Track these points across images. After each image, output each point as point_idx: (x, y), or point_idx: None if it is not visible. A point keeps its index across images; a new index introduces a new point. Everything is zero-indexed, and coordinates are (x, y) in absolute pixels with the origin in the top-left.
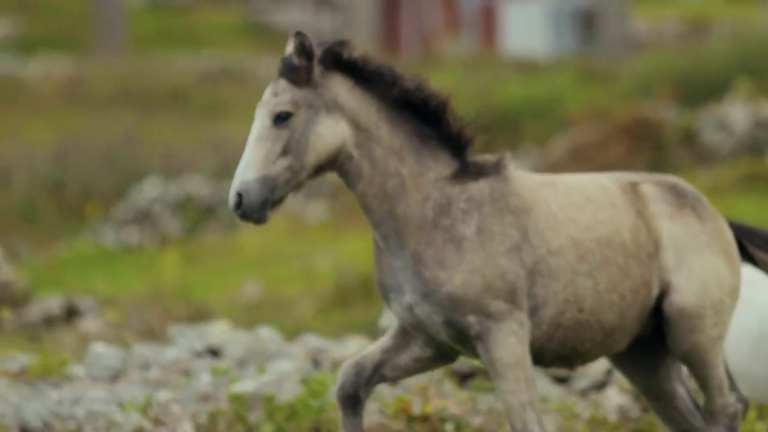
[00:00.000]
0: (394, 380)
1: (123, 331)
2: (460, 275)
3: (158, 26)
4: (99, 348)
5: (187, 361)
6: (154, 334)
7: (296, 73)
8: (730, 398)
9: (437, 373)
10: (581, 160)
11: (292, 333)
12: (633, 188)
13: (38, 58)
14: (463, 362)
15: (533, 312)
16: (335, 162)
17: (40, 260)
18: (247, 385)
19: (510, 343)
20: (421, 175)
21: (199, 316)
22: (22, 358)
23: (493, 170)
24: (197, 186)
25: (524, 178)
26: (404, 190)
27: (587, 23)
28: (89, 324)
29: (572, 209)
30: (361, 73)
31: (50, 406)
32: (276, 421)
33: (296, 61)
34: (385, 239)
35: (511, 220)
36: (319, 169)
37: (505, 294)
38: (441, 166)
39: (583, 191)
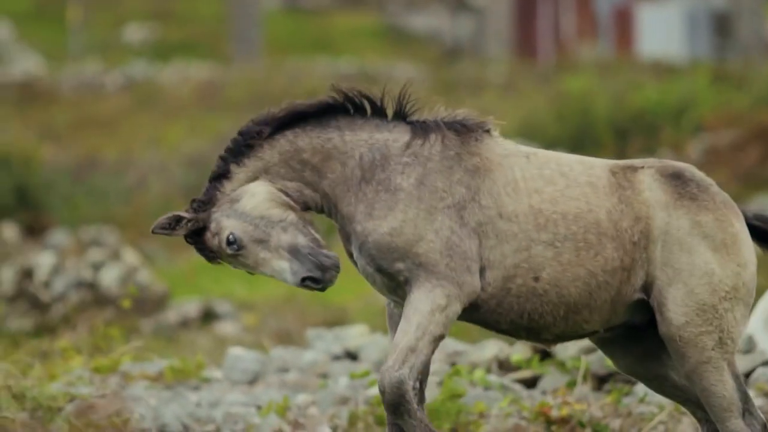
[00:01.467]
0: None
1: (260, 335)
2: (388, 223)
3: (294, 30)
4: (237, 351)
5: (324, 365)
6: (292, 338)
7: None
8: (739, 424)
9: (574, 375)
10: (716, 163)
11: None
12: (625, 173)
13: (175, 63)
14: (601, 364)
15: (478, 275)
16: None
17: (178, 265)
18: None
19: (435, 294)
20: (330, 141)
21: (336, 320)
22: (160, 362)
23: (463, 130)
24: None
25: (498, 144)
26: (324, 170)
27: (721, 25)
28: (226, 328)
29: (540, 181)
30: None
31: (189, 409)
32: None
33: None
34: (335, 222)
35: (461, 178)
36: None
37: (440, 248)
38: (392, 135)
39: (561, 167)
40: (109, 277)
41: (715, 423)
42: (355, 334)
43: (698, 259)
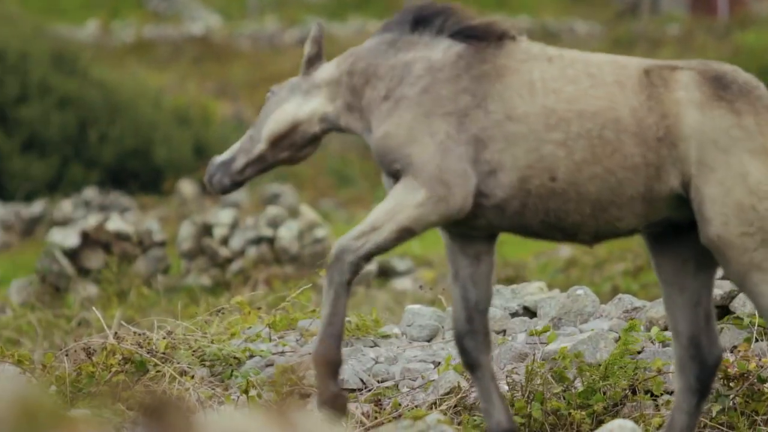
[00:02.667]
0: (486, 303)
1: (437, 292)
2: (384, 127)
3: None
4: (415, 307)
5: (502, 321)
6: None
7: (305, 59)
8: None
9: (751, 332)
10: None
11: (607, 293)
12: (660, 73)
13: (351, 20)
14: None
15: (488, 176)
16: (297, 138)
17: (355, 222)
18: (562, 344)
19: (414, 186)
20: (380, 66)
21: (514, 276)
22: None
23: (484, 36)
24: None
25: (520, 50)
26: (365, 87)
27: None
28: (404, 283)
29: (561, 81)
30: None
31: (367, 365)
32: (590, 379)
33: (307, 47)
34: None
35: (467, 86)
36: (276, 144)
37: (432, 150)
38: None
39: (588, 67)
40: (287, 234)
41: None
42: (533, 290)
43: (734, 159)
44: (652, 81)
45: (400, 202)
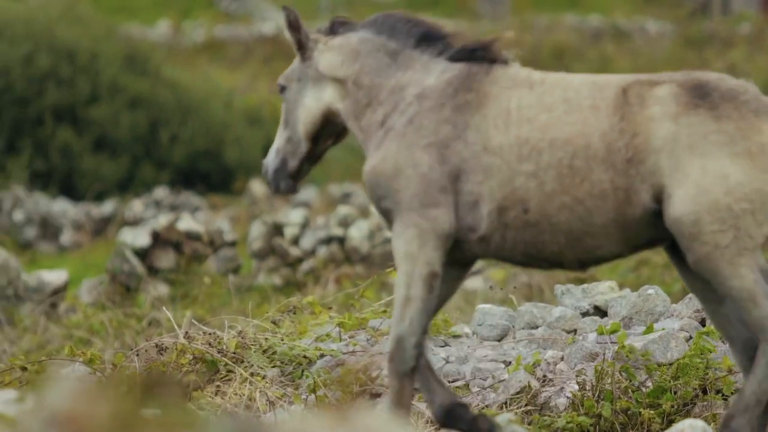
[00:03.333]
0: (439, 308)
1: (508, 291)
2: (372, 160)
3: None
4: (486, 307)
5: (573, 320)
6: (540, 294)
7: (293, 46)
8: (765, 308)
9: None
10: None
11: (678, 293)
12: (639, 90)
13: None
14: None
15: (472, 208)
16: (333, 125)
17: None
18: (633, 343)
19: (408, 234)
20: (382, 88)
21: (584, 276)
22: None
23: (477, 58)
24: None
25: (507, 76)
26: (369, 106)
27: None
28: (474, 283)
29: (536, 109)
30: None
31: (438, 364)
32: (660, 379)
33: (287, 34)
34: None
35: (449, 116)
36: (316, 137)
37: (415, 184)
38: (428, 76)
39: (567, 92)
40: (358, 234)
41: (743, 316)
42: (604, 290)
43: (712, 162)
44: (629, 100)
45: (405, 257)
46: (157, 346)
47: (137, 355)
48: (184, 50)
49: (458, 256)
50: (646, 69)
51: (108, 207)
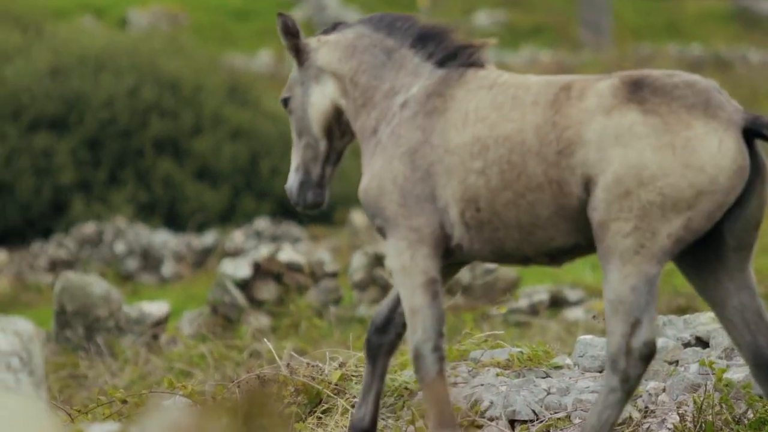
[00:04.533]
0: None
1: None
2: (364, 179)
3: (644, 15)
4: (587, 338)
5: (675, 351)
6: None
7: (291, 53)
8: (619, 328)
9: None
10: None
11: None
12: (583, 85)
13: (524, 48)
14: None
15: (445, 213)
16: (340, 119)
17: None
18: (735, 374)
19: (399, 248)
20: (377, 90)
21: (686, 306)
22: (510, 348)
23: (459, 64)
24: None
25: (478, 78)
26: (364, 107)
27: None
28: (575, 314)
29: (490, 108)
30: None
31: (539, 396)
32: (762, 411)
33: (283, 42)
34: None
35: (421, 122)
36: (331, 133)
37: (397, 198)
38: (418, 79)
39: (518, 90)
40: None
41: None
42: (706, 321)
43: (632, 152)
44: (570, 94)
45: (404, 272)
46: (258, 377)
47: (238, 386)
48: (285, 80)
49: (451, 260)
50: (749, 98)
51: (209, 238)
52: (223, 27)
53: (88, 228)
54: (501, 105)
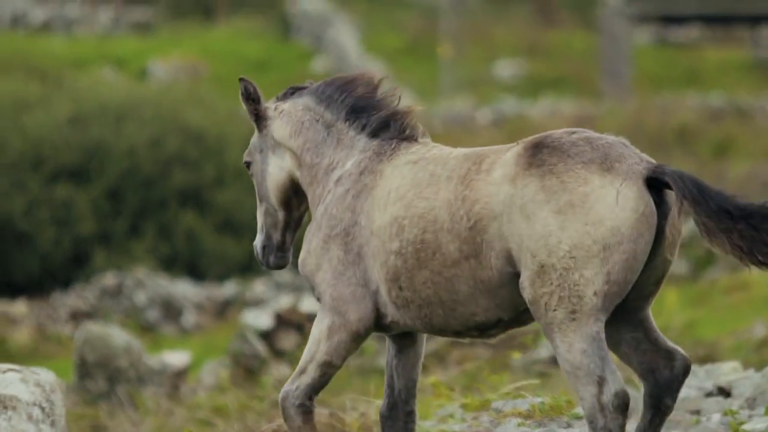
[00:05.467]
0: (409, 392)
1: (631, 371)
2: (301, 254)
3: (665, 64)
4: None
5: (697, 401)
6: None
7: (251, 119)
8: (588, 390)
9: None
10: None
11: None
12: (493, 156)
13: (545, 98)
14: None
15: (377, 294)
16: (298, 190)
17: None
18: (757, 424)
19: (322, 325)
20: (319, 168)
21: (707, 356)
22: (531, 398)
23: (390, 133)
24: None
25: (409, 151)
26: (311, 184)
27: None
28: None
29: (409, 186)
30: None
31: None
32: None
33: (244, 106)
34: None
35: (350, 203)
36: (289, 204)
37: (329, 278)
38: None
39: (436, 166)
40: None
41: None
42: (727, 371)
43: (538, 224)
44: (480, 168)
45: (315, 339)
46: (279, 427)
47: None
48: None
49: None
50: None
51: (229, 288)
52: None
53: (109, 279)
54: (419, 183)
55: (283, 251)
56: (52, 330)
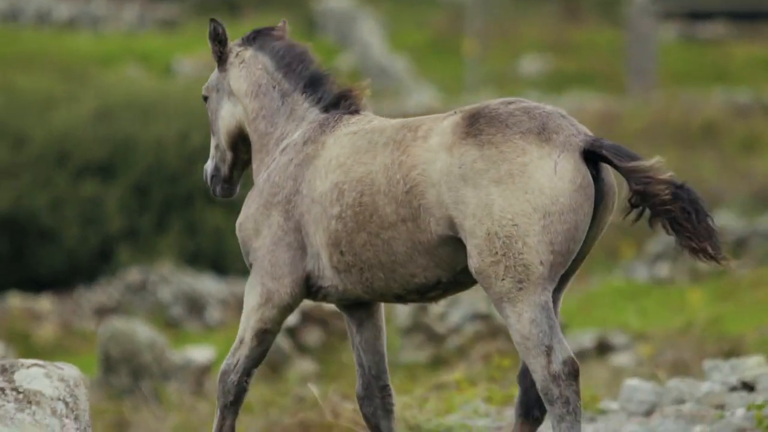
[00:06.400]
0: (379, 367)
1: (656, 366)
2: (240, 217)
3: (691, 60)
4: (633, 382)
5: (721, 396)
6: (687, 369)
7: (214, 57)
8: (539, 361)
9: None
10: None
11: None
12: (430, 124)
13: (570, 94)
14: None
15: (318, 259)
16: (246, 139)
17: (573, 296)
18: None
19: (254, 291)
20: (271, 137)
21: (732, 350)
22: None
23: (338, 111)
24: (729, 220)
25: (349, 122)
26: (260, 152)
27: None
28: (622, 359)
29: (348, 154)
30: (262, 48)
31: None
32: None
33: (210, 46)
34: None
35: (292, 171)
36: (237, 147)
37: (269, 244)
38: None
39: (374, 134)
40: None
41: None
42: (752, 365)
43: (481, 192)
44: (417, 135)
45: (248, 308)
46: (303, 422)
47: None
48: None
49: (331, 300)
50: None
51: None
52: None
53: (133, 274)
54: (358, 149)
55: (231, 184)
56: (77, 325)
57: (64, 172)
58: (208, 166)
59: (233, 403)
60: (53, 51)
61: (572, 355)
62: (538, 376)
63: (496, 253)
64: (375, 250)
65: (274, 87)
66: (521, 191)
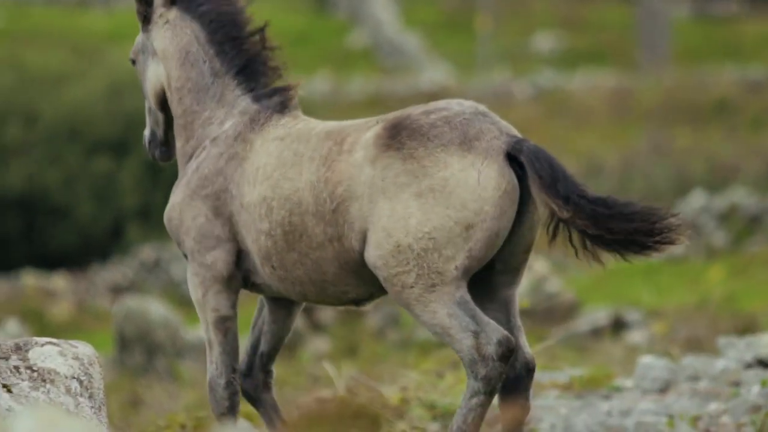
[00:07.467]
0: (271, 355)
1: (670, 343)
2: (168, 206)
3: (704, 37)
4: (648, 360)
5: (736, 373)
6: (702, 346)
7: (138, 18)
8: (465, 343)
9: None
10: None
11: None
12: (354, 136)
13: (583, 71)
14: None
15: (247, 255)
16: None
17: (587, 273)
18: None
19: (194, 283)
20: (198, 116)
21: (747, 327)
22: (570, 370)
23: (273, 109)
24: (743, 196)
25: (278, 125)
26: (185, 129)
27: None
28: (636, 336)
29: (275, 165)
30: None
31: (599, 418)
32: None
33: (136, 5)
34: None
35: (222, 168)
36: (166, 107)
37: (194, 234)
38: (235, 109)
39: (299, 144)
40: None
41: (456, 352)
42: None
43: (398, 205)
44: (342, 149)
45: (197, 305)
46: (317, 400)
47: (297, 410)
48: (343, 105)
49: (268, 293)
50: None
51: None
52: (281, 51)
53: (147, 252)
54: (284, 162)
55: (167, 146)
56: (91, 304)
57: (76, 149)
58: (145, 132)
59: (230, 409)
60: (65, 28)
61: (506, 333)
62: (466, 355)
63: (407, 263)
64: (305, 269)
65: (204, 62)
66: (442, 206)
